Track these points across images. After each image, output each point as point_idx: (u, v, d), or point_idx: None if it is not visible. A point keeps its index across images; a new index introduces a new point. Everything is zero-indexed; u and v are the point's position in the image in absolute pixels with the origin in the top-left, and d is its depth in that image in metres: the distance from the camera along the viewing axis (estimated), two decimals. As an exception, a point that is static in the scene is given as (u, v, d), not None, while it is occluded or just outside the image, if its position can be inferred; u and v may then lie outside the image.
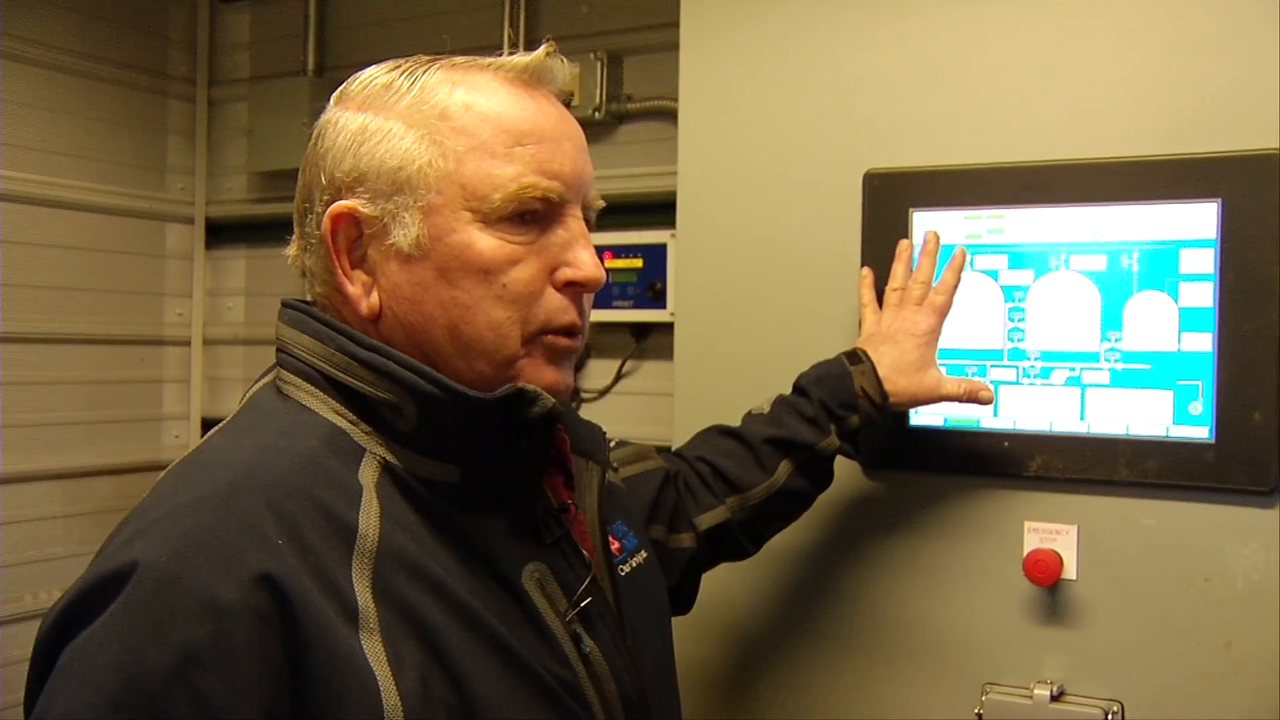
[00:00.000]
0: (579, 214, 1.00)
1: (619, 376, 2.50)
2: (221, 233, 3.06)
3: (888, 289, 1.51)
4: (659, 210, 2.28)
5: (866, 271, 1.55)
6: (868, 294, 1.54)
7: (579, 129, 1.03)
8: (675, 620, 1.33)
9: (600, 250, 2.32)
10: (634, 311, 2.39)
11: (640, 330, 2.47)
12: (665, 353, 2.40)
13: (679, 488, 1.40)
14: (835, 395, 1.43)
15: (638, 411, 2.47)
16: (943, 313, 1.47)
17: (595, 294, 1.02)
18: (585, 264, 0.98)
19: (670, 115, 2.36)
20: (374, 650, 0.84)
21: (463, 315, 0.95)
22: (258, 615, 0.80)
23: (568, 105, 1.04)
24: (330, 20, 2.88)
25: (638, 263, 2.36)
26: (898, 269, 1.52)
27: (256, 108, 2.90)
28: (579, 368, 2.53)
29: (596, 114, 2.43)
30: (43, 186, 2.70)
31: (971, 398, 1.46)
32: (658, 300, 2.35)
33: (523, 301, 0.96)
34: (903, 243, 1.53)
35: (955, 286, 1.48)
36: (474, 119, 0.95)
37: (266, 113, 2.86)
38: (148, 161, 2.97)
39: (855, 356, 1.45)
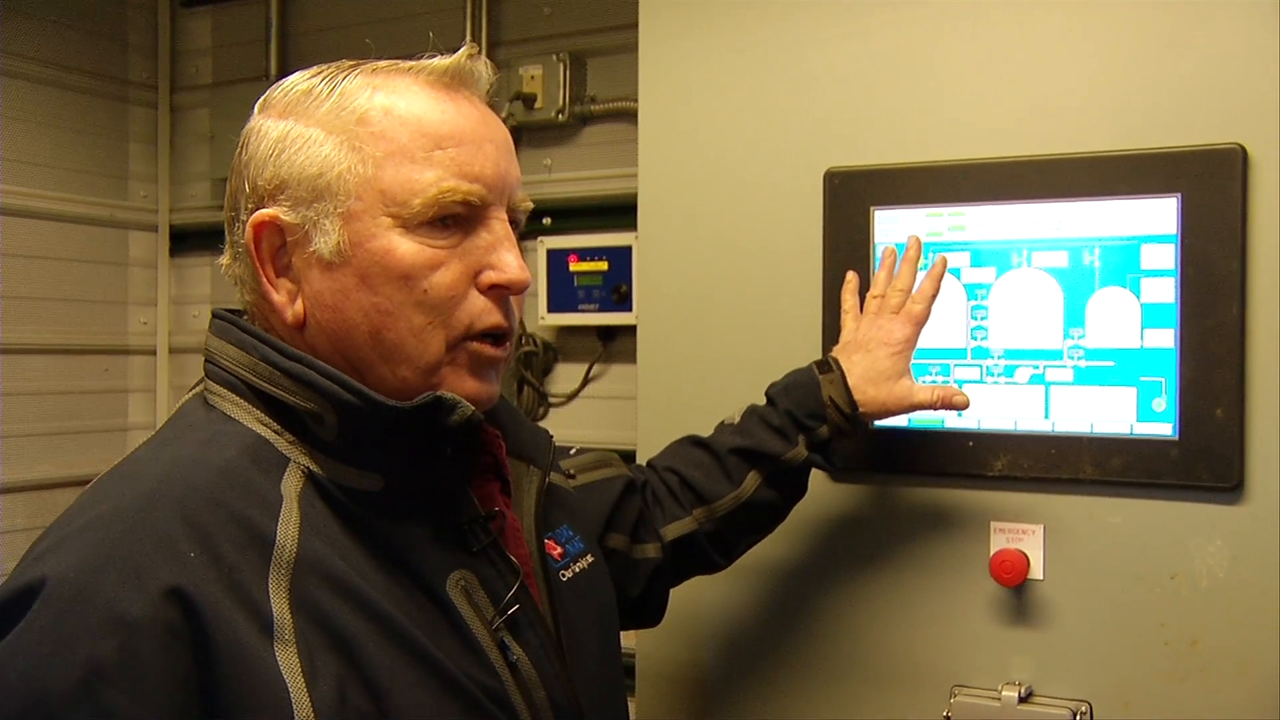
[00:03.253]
0: (503, 216, 0.99)
1: (586, 380, 2.48)
2: (185, 240, 3.02)
3: (869, 295, 1.47)
4: (624, 212, 2.25)
5: (851, 276, 1.51)
6: (850, 299, 1.49)
7: (503, 130, 1.02)
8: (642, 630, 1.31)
9: (565, 253, 2.34)
10: (600, 315, 2.37)
11: (607, 333, 2.45)
12: (632, 356, 2.36)
13: (646, 498, 1.39)
14: (802, 405, 1.40)
15: (605, 415, 2.45)
16: (919, 322, 1.43)
17: (524, 297, 1.02)
18: (509, 266, 0.97)
19: (635, 117, 2.34)
20: (288, 662, 0.83)
21: (384, 321, 0.94)
22: (167, 629, 0.80)
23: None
24: (292, 25, 2.86)
25: (603, 265, 2.35)
26: (880, 275, 1.47)
27: (219, 113, 2.88)
28: (546, 371, 2.50)
29: (560, 116, 2.41)
30: (2, 195, 2.66)
31: (945, 404, 1.43)
32: (623, 303, 2.33)
33: (444, 306, 0.95)
34: (888, 248, 1.49)
35: (934, 296, 1.44)
36: (393, 123, 0.95)
37: (229, 118, 2.83)
38: (109, 169, 2.93)
39: (825, 365, 1.42)
